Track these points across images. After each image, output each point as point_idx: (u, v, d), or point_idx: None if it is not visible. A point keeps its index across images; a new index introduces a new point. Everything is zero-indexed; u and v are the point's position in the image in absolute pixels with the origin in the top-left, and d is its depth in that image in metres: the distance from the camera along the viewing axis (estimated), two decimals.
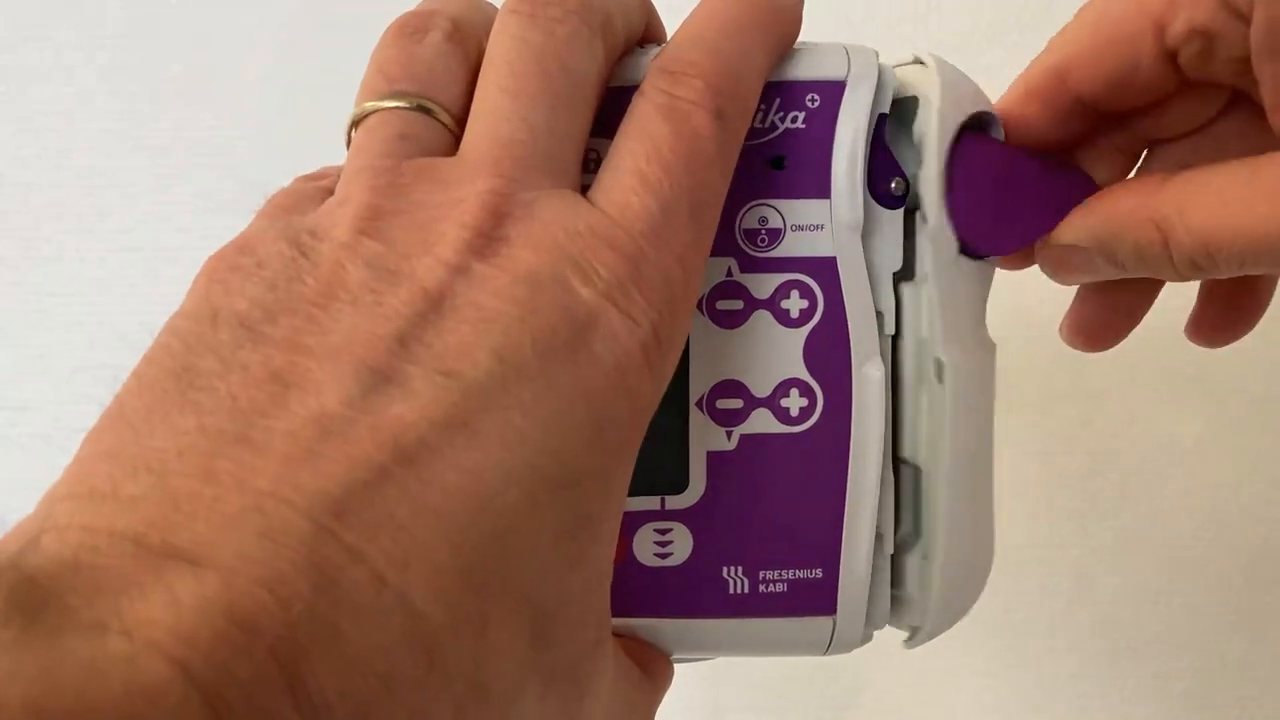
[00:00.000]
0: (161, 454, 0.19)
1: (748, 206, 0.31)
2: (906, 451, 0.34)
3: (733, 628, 0.32)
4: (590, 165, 0.29)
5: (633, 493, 0.30)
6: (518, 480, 0.21)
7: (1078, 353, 0.40)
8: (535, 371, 0.22)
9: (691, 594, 0.31)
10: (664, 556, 0.31)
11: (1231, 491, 0.65)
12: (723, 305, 0.31)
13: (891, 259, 0.32)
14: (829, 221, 0.31)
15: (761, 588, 0.31)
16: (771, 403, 0.31)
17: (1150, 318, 0.39)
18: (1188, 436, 0.64)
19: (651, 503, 0.31)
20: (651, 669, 0.31)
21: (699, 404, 0.31)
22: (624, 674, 0.29)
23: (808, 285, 0.31)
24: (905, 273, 0.33)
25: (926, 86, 0.35)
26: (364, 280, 0.22)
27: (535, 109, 0.26)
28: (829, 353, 0.31)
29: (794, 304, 0.31)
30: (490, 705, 0.20)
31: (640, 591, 0.31)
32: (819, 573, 0.32)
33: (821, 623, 0.32)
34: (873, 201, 0.32)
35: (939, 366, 0.35)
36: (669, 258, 0.25)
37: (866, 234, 0.32)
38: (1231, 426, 0.64)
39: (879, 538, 0.32)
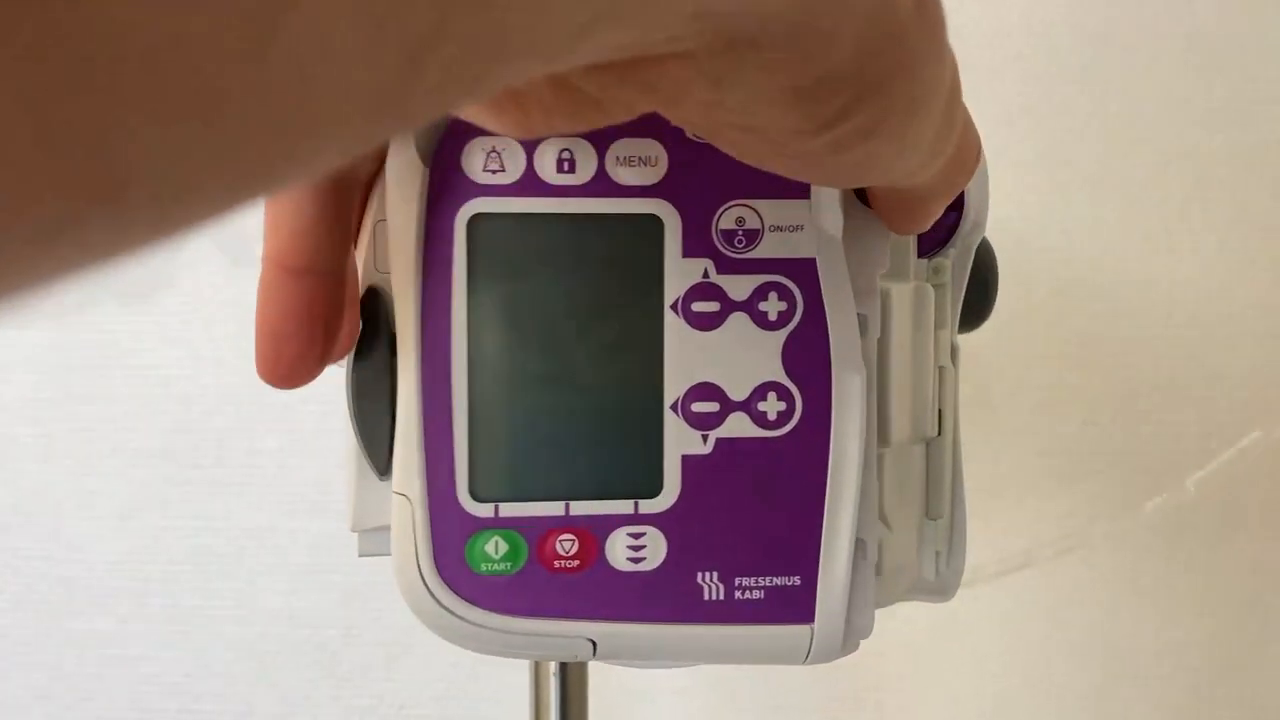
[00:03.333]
0: None
1: (725, 207, 0.30)
2: (902, 436, 0.35)
3: (707, 635, 0.31)
4: None
5: (605, 496, 0.30)
6: None
7: None
8: None
9: (665, 599, 0.31)
10: (637, 561, 0.31)
11: None
12: (699, 307, 0.30)
13: (877, 260, 0.32)
14: (809, 222, 0.31)
15: (737, 594, 0.31)
16: (749, 406, 0.31)
17: None
18: None
19: (625, 506, 0.31)
20: None
21: (674, 407, 0.31)
22: None
23: (787, 287, 0.31)
24: (898, 272, 0.33)
25: None
26: None
27: None
28: (809, 356, 0.31)
29: (772, 306, 0.31)
30: None
31: (612, 595, 0.31)
32: (797, 580, 0.31)
33: (799, 631, 0.31)
34: (857, 201, 0.31)
35: (954, 350, 0.37)
36: None
37: (850, 235, 0.31)
38: None
39: (859, 544, 0.32)
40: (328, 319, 0.29)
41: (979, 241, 0.39)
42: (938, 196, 0.29)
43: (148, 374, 0.69)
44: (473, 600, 0.31)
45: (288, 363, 0.29)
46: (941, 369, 0.38)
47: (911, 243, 0.38)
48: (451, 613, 0.31)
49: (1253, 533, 0.65)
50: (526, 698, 0.45)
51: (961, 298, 0.39)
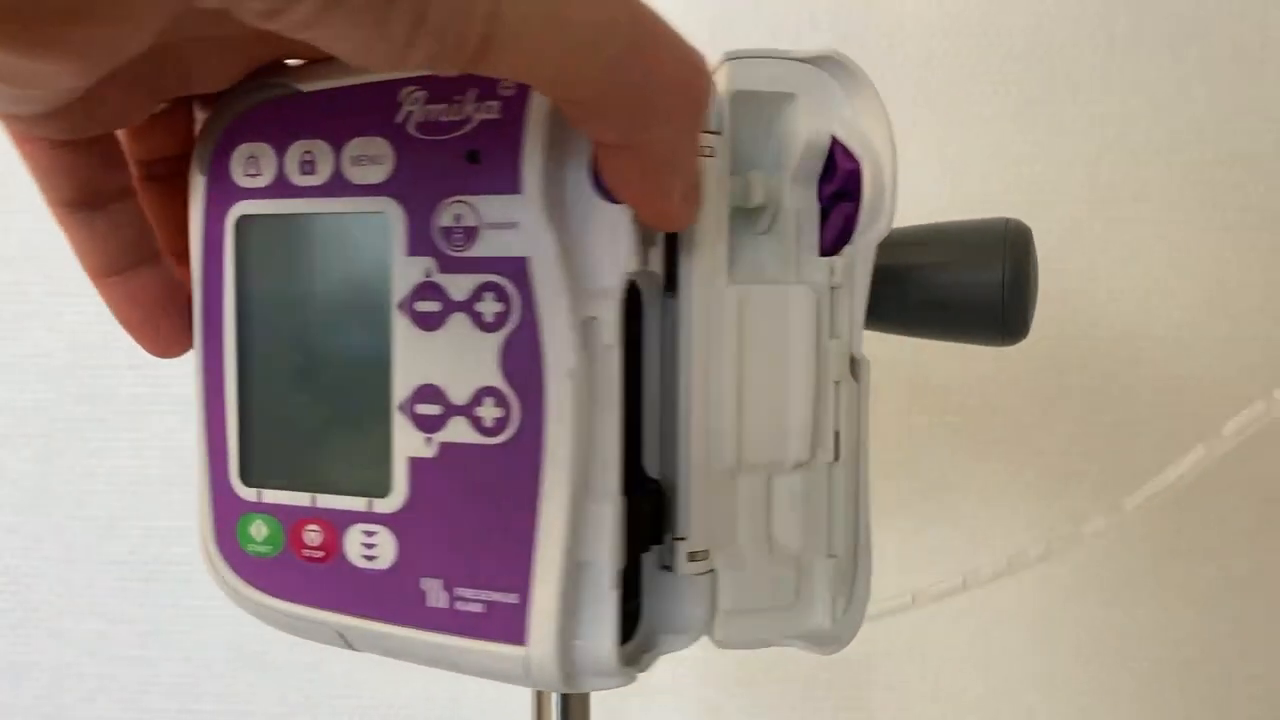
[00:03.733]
0: None
1: (445, 203, 0.29)
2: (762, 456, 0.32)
3: (430, 642, 0.30)
4: None
5: (344, 491, 0.31)
6: None
7: None
8: None
9: (393, 601, 0.31)
10: (370, 559, 0.31)
11: None
12: (422, 307, 0.30)
13: (616, 259, 0.29)
14: (524, 219, 0.29)
15: (458, 605, 0.30)
16: (468, 411, 0.29)
17: None
18: None
19: (360, 503, 0.31)
20: None
21: (401, 407, 0.30)
22: None
23: (503, 288, 0.29)
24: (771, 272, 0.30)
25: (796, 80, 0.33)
26: None
27: None
28: (526, 361, 0.29)
29: (489, 307, 0.29)
30: None
31: (350, 591, 0.31)
32: (515, 598, 0.29)
33: (514, 653, 0.29)
34: (595, 194, 0.29)
35: (857, 364, 0.33)
36: None
37: (585, 231, 0.29)
38: None
39: (585, 566, 0.29)
40: (162, 303, 0.33)
41: (881, 238, 0.33)
42: (641, 152, 0.26)
43: (148, 374, 0.70)
44: (246, 579, 0.33)
45: (154, 343, 0.33)
46: (838, 384, 0.33)
47: (797, 240, 0.33)
48: (232, 589, 0.33)
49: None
50: (527, 696, 0.45)
51: (864, 303, 0.34)
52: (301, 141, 0.31)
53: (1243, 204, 0.64)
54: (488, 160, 0.29)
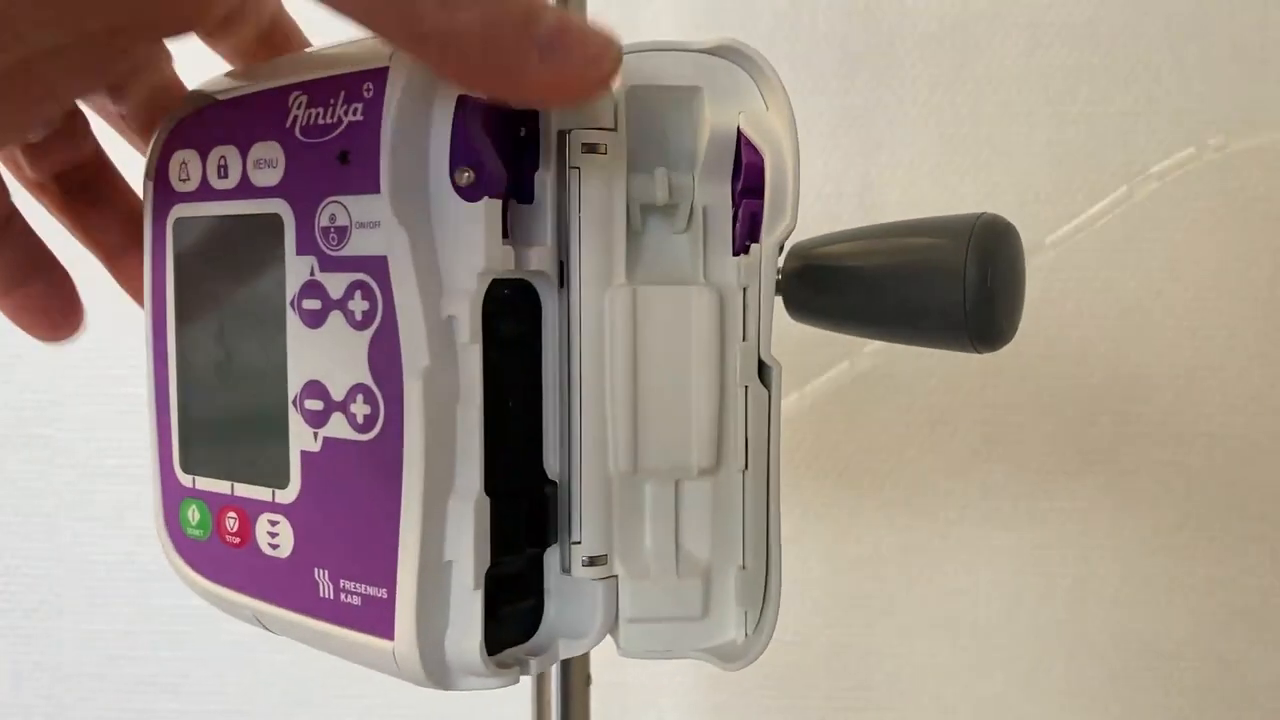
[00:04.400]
0: None
1: (324, 203, 0.30)
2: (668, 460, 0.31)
3: (321, 630, 0.31)
4: None
5: (254, 481, 0.32)
6: None
7: None
8: None
9: (292, 588, 0.32)
10: (274, 548, 0.32)
11: None
12: (307, 305, 0.31)
13: (471, 257, 0.29)
14: (383, 218, 0.29)
15: (342, 596, 0.31)
16: (344, 407, 0.30)
17: None
18: None
19: (265, 493, 0.32)
20: None
21: (294, 402, 0.31)
22: None
23: (370, 286, 0.29)
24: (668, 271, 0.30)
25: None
26: None
27: None
28: (389, 359, 0.29)
29: (358, 305, 0.30)
30: None
31: (260, 576, 0.33)
32: (384, 593, 0.30)
33: (384, 646, 0.30)
34: (453, 194, 0.29)
35: (766, 368, 0.32)
36: None
37: (441, 230, 0.29)
38: None
39: (450, 565, 0.29)
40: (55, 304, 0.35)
41: (786, 236, 0.31)
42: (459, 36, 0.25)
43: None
44: (186, 559, 0.35)
45: (48, 334, 0.35)
46: (746, 389, 0.32)
47: (708, 239, 0.32)
48: (176, 568, 0.35)
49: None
50: (529, 697, 0.45)
51: (772, 305, 0.32)
52: (218, 147, 0.32)
53: (1243, 204, 0.61)
54: (354, 161, 0.29)
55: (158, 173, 0.34)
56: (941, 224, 0.35)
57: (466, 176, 0.28)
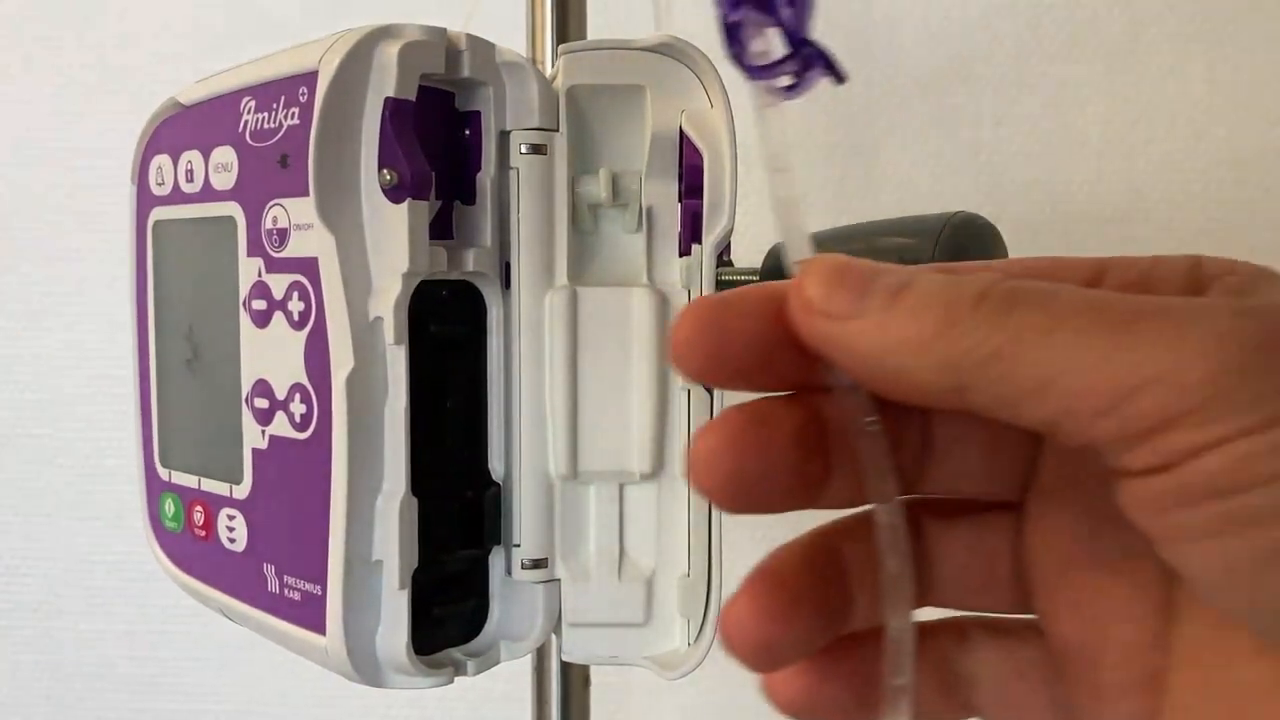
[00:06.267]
0: None
1: (268, 206, 0.31)
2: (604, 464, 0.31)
3: (270, 624, 0.32)
4: None
5: (216, 477, 0.33)
6: None
7: None
8: None
9: (246, 582, 0.33)
10: (232, 541, 0.33)
11: None
12: (256, 305, 0.31)
13: (397, 259, 0.29)
14: (314, 220, 0.29)
15: (286, 591, 0.31)
16: (285, 406, 0.31)
17: None
18: None
19: (224, 488, 0.33)
20: None
21: (246, 400, 0.32)
22: None
23: (305, 287, 0.30)
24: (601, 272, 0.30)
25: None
26: None
27: None
28: (321, 359, 0.30)
29: (296, 306, 0.30)
30: None
31: (222, 569, 0.33)
32: (318, 589, 0.30)
33: (318, 641, 0.30)
34: (380, 194, 0.29)
35: None
36: None
37: (370, 233, 0.29)
38: None
39: (378, 564, 0.29)
40: None
41: (726, 236, 0.30)
42: None
43: None
44: (165, 551, 0.36)
45: None
46: (688, 392, 0.31)
47: (653, 239, 0.32)
48: (157, 559, 0.36)
49: None
50: (529, 697, 0.45)
51: None
52: (186, 152, 0.33)
53: (1244, 204, 0.56)
54: (293, 164, 0.30)
55: (140, 176, 0.35)
56: (915, 223, 0.34)
57: (388, 178, 0.28)
